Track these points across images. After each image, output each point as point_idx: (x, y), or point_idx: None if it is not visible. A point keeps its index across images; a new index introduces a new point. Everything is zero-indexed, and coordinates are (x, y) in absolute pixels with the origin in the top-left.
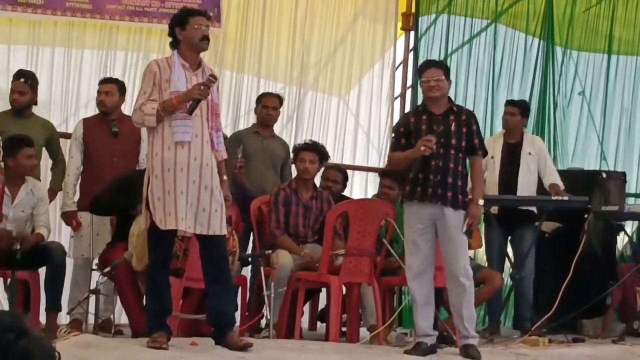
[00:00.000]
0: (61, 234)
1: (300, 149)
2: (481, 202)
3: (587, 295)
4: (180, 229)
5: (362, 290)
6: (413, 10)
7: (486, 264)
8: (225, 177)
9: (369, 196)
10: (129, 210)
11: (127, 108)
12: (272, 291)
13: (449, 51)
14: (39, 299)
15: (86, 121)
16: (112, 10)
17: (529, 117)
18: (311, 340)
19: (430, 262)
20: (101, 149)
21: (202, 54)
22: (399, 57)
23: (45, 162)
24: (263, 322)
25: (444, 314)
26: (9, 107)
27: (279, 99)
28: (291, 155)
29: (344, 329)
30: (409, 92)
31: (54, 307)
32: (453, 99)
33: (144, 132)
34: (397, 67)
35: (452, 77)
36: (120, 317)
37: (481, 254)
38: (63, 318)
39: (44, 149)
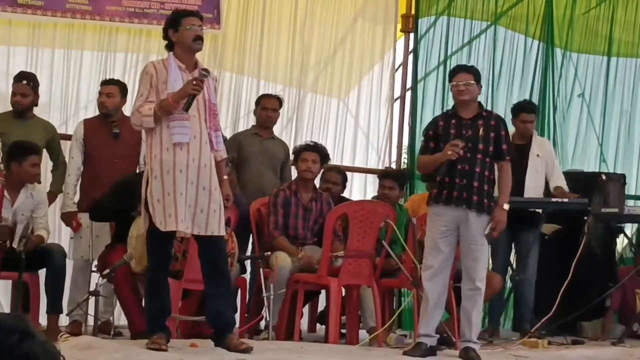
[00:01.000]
0: (61, 236)
1: (301, 149)
2: (506, 206)
3: (586, 297)
4: (180, 230)
5: (361, 292)
6: (413, 12)
7: (489, 266)
8: (225, 177)
9: (369, 198)
10: (130, 212)
11: (127, 109)
12: (271, 293)
13: (449, 53)
14: (39, 300)
15: (87, 122)
16: (111, 11)
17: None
18: (310, 342)
19: (448, 264)
20: (102, 150)
21: (201, 56)
22: (399, 59)
23: (45, 164)
24: (262, 323)
25: (444, 315)
26: (9, 109)
27: (279, 101)
28: (291, 156)
29: (343, 330)
30: (408, 94)
31: (54, 308)
32: (452, 100)
33: (144, 133)
34: (396, 69)
35: None
36: (120, 318)
37: None
38: (63, 319)
39: (44, 151)
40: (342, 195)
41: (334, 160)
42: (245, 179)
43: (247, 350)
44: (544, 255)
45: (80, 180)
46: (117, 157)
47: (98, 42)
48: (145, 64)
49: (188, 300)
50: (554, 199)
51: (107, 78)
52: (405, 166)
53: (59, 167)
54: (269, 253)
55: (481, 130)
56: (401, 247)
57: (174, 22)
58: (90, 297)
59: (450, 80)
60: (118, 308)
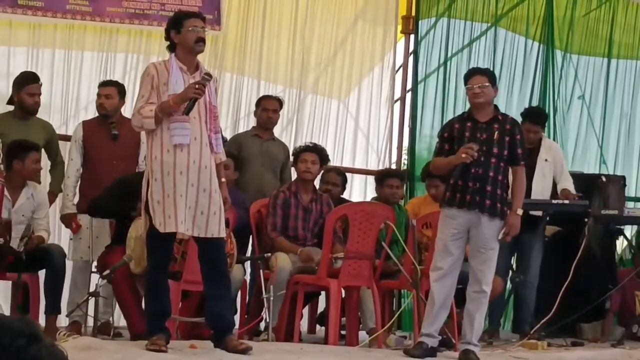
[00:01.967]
0: (61, 237)
1: (301, 150)
2: (520, 211)
3: (586, 299)
4: (180, 232)
5: (361, 294)
6: (413, 13)
7: None
8: (223, 180)
9: (369, 199)
10: (130, 212)
11: (127, 111)
12: (271, 294)
13: (449, 54)
14: (39, 301)
15: (86, 124)
16: (112, 12)
17: (544, 125)
18: (310, 343)
19: (457, 266)
20: (101, 151)
21: (201, 57)
22: (399, 60)
23: (44, 165)
24: (262, 325)
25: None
26: (8, 110)
27: (279, 102)
28: (291, 158)
29: (343, 332)
30: (408, 96)
31: (53, 309)
32: (452, 103)
33: (143, 135)
34: (397, 70)
35: (452, 81)
36: (119, 319)
37: None
38: (62, 321)
39: (43, 151)
40: (342, 196)
41: (334, 162)
42: (245, 180)
43: (247, 351)
44: (544, 257)
45: (79, 182)
46: (116, 158)
47: (98, 43)
48: (145, 65)
49: (187, 302)
50: (554, 201)
51: (105, 79)
52: (405, 167)
53: (57, 167)
54: (269, 254)
55: (496, 134)
56: (401, 249)
57: (176, 24)
58: (90, 298)
59: (465, 84)
60: (117, 309)
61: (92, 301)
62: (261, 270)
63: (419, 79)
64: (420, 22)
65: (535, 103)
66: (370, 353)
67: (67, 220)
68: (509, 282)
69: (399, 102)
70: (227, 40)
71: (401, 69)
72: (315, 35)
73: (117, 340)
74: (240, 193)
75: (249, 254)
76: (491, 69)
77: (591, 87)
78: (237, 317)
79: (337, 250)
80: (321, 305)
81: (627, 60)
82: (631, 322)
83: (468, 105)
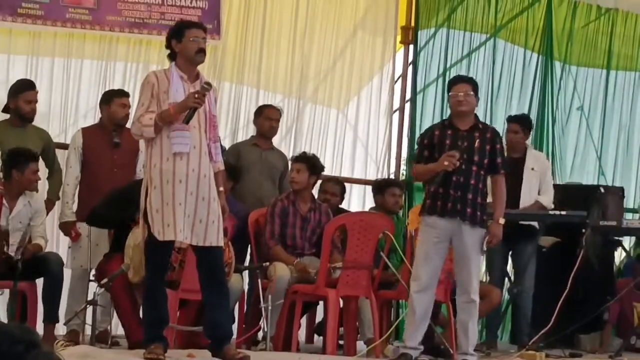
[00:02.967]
0: (59, 245)
1: (292, 160)
2: (502, 221)
3: (584, 310)
4: (178, 240)
5: (359, 304)
6: (412, 24)
7: (485, 278)
8: (222, 189)
9: (367, 209)
10: (129, 221)
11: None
12: (269, 303)
13: (448, 65)
14: (37, 309)
15: (85, 131)
16: (111, 21)
17: (531, 131)
18: (308, 353)
19: (437, 276)
20: (102, 159)
21: (201, 66)
22: (398, 71)
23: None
24: (260, 334)
25: (440, 328)
26: (4, 118)
27: (280, 112)
28: (289, 167)
29: (341, 342)
30: (407, 106)
31: (51, 318)
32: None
33: (142, 143)
34: (396, 81)
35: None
36: (117, 328)
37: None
38: (60, 329)
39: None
40: (340, 206)
41: (333, 171)
42: (244, 189)
43: (244, 358)
44: (542, 268)
45: (78, 189)
46: (117, 166)
47: (98, 51)
48: (145, 74)
49: (185, 310)
50: (551, 212)
51: (119, 89)
52: (404, 177)
53: (55, 175)
54: (267, 264)
55: (477, 142)
56: (400, 259)
57: (177, 33)
58: (88, 306)
59: (449, 90)
60: (115, 318)
61: (89, 309)
62: (259, 280)
63: (418, 90)
64: (419, 32)
65: (534, 114)
66: None
67: (67, 228)
68: (506, 293)
69: (398, 112)
70: (226, 50)
71: (400, 79)
72: (314, 45)
73: (115, 349)
74: (237, 203)
75: (247, 263)
76: (490, 80)
77: (590, 99)
78: (235, 327)
79: (335, 260)
80: (319, 315)
81: (625, 71)
82: (629, 333)
83: None
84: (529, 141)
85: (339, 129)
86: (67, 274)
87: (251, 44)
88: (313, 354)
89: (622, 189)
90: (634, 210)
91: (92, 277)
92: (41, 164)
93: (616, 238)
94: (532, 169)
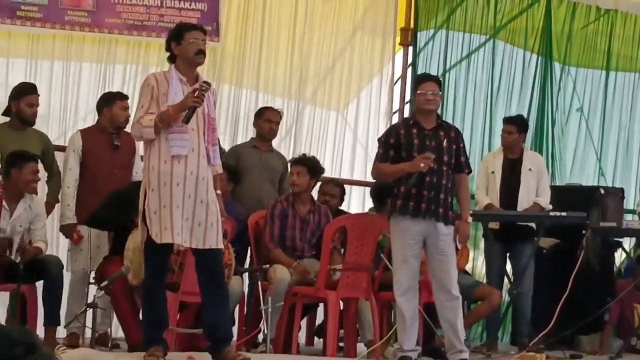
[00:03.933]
0: (59, 248)
1: (292, 162)
2: (470, 219)
3: (584, 311)
4: (176, 243)
5: (359, 305)
6: (412, 25)
7: (484, 279)
8: (219, 191)
9: (367, 211)
10: (128, 223)
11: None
12: (269, 306)
13: (447, 67)
14: (37, 312)
15: (84, 133)
16: (111, 24)
17: (527, 132)
18: (308, 355)
19: (417, 277)
20: (102, 161)
21: (200, 68)
22: (397, 72)
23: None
24: (260, 336)
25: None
26: (5, 120)
27: (280, 115)
28: (289, 169)
29: (341, 344)
30: (407, 107)
31: (52, 321)
32: (451, 114)
33: (138, 145)
34: (395, 82)
35: (450, 92)
36: (117, 330)
37: (479, 270)
38: (60, 332)
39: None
40: (340, 208)
41: (332, 173)
42: (244, 192)
43: None
44: (542, 269)
45: (77, 191)
46: (117, 167)
47: (97, 54)
48: (144, 76)
49: (185, 313)
50: (551, 213)
51: (117, 91)
52: None
53: (54, 178)
54: (267, 266)
55: (445, 141)
56: None
57: (177, 35)
58: (87, 309)
59: (415, 89)
60: (115, 320)
61: (89, 312)
62: (259, 282)
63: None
64: (418, 34)
65: (533, 115)
66: None
67: (68, 230)
68: (506, 295)
69: (397, 113)
70: (225, 52)
71: (399, 81)
72: (313, 46)
73: (115, 352)
74: (237, 205)
75: (246, 265)
76: (490, 81)
77: (590, 100)
78: (235, 329)
79: (335, 261)
80: (319, 317)
81: (625, 72)
82: (630, 334)
83: (467, 118)
84: (524, 142)
85: (339, 131)
86: (66, 276)
87: (250, 46)
88: (313, 356)
89: (622, 190)
90: (634, 211)
91: (92, 280)
92: (40, 167)
93: (616, 239)
94: (530, 169)
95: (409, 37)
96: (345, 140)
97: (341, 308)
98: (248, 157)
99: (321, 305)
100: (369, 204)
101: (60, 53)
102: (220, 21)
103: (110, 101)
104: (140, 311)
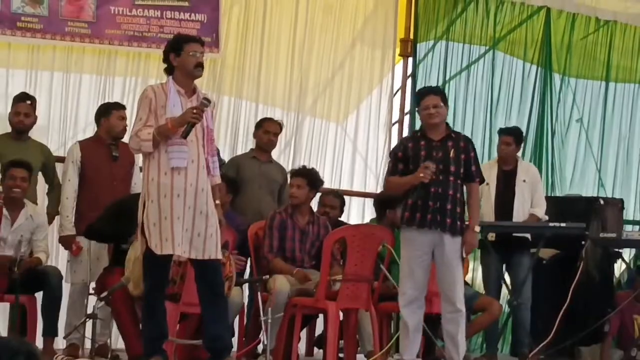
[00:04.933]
0: (58, 259)
1: (291, 174)
2: (477, 229)
3: (584, 322)
4: (176, 254)
5: (359, 316)
6: (411, 36)
7: (483, 290)
8: (218, 202)
9: (367, 221)
10: (126, 235)
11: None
12: (269, 316)
13: (447, 77)
14: (36, 323)
15: (83, 144)
16: (111, 35)
17: (522, 144)
18: None
19: (423, 289)
20: (101, 172)
21: (199, 80)
22: (397, 84)
23: (41, 188)
24: (260, 347)
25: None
26: (6, 131)
27: (280, 126)
28: (289, 180)
29: (341, 355)
30: (406, 118)
31: (51, 331)
32: (451, 125)
33: (137, 156)
34: (395, 93)
35: (450, 103)
36: (117, 341)
37: (478, 281)
38: (60, 343)
39: (40, 173)
40: (340, 219)
41: (332, 184)
42: (244, 203)
43: None
44: (542, 280)
45: (77, 203)
46: (115, 178)
47: (97, 65)
48: (143, 88)
49: (185, 324)
50: (551, 224)
51: (114, 102)
52: None
53: (55, 189)
54: (267, 277)
55: (452, 151)
56: (399, 271)
57: (176, 47)
58: (87, 320)
59: (418, 104)
60: (115, 331)
61: (89, 323)
62: (259, 293)
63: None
64: (418, 45)
65: (533, 126)
66: None
67: (67, 242)
68: (505, 306)
69: (397, 125)
70: (225, 63)
71: (399, 92)
72: (313, 58)
73: None
74: (237, 216)
75: (246, 276)
76: (489, 92)
77: (589, 110)
78: (235, 340)
79: (335, 272)
80: (319, 328)
81: (624, 83)
82: (630, 345)
83: (466, 129)
84: (519, 153)
85: (338, 142)
86: (65, 287)
87: (250, 57)
88: None
89: (621, 201)
90: (634, 222)
91: (91, 291)
92: (41, 178)
93: (616, 250)
94: (524, 180)
95: (408, 48)
96: (344, 151)
97: (341, 319)
98: (247, 168)
99: (321, 316)
100: (369, 214)
101: (60, 64)
102: (220, 32)
103: (107, 112)
104: (141, 322)
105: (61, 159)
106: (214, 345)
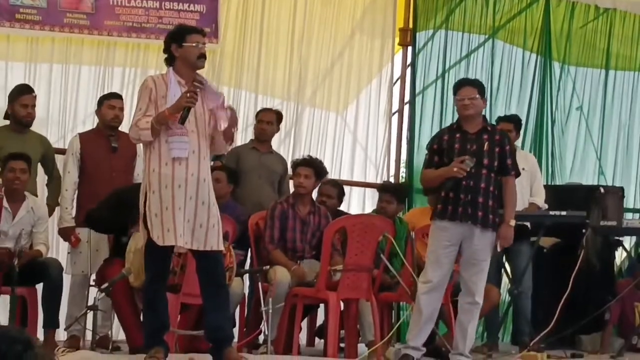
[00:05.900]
0: (58, 250)
1: (297, 164)
2: (512, 222)
3: (585, 310)
4: (178, 245)
5: (360, 306)
6: (410, 25)
7: None
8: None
9: (367, 212)
10: (126, 225)
11: (125, 125)
12: (270, 307)
13: (447, 67)
14: (37, 315)
15: (82, 136)
16: (109, 26)
17: (520, 130)
18: (309, 356)
19: (447, 279)
20: (100, 164)
21: (199, 70)
22: (397, 73)
23: (41, 178)
24: (261, 338)
25: (442, 329)
26: (5, 123)
27: (277, 114)
28: (290, 170)
29: (342, 344)
30: (406, 108)
31: (51, 323)
32: (451, 115)
33: (139, 148)
34: (394, 83)
35: (450, 92)
36: (118, 333)
37: None
38: (61, 334)
39: (39, 164)
40: (339, 209)
41: (332, 175)
42: (244, 193)
43: None
44: (543, 269)
45: (76, 195)
46: (115, 170)
47: (96, 56)
48: (143, 78)
49: (186, 315)
50: (551, 212)
51: (111, 92)
52: (403, 180)
53: (54, 181)
54: (268, 267)
55: (486, 144)
56: (400, 261)
57: (178, 37)
58: (88, 311)
59: (454, 94)
60: (116, 322)
61: (90, 315)
62: (260, 283)
63: (417, 92)
64: (417, 34)
65: (533, 115)
66: None
67: (66, 233)
68: (506, 294)
69: (396, 114)
70: (224, 54)
71: (399, 82)
72: (312, 48)
73: (115, 354)
74: (238, 206)
75: (247, 266)
76: (489, 81)
77: (589, 99)
78: (236, 330)
79: (335, 262)
80: (320, 318)
81: (624, 71)
82: (631, 333)
83: None
84: (519, 142)
85: (338, 132)
86: (66, 279)
87: (249, 47)
88: (314, 357)
89: (622, 189)
90: (634, 210)
91: (92, 282)
92: (40, 170)
93: (616, 238)
94: (523, 169)
95: (408, 38)
96: (344, 142)
97: (342, 309)
98: (247, 158)
99: (322, 306)
100: (369, 204)
101: (59, 56)
102: (219, 23)
103: (100, 103)
104: (141, 313)
105: (61, 151)
106: (215, 335)
